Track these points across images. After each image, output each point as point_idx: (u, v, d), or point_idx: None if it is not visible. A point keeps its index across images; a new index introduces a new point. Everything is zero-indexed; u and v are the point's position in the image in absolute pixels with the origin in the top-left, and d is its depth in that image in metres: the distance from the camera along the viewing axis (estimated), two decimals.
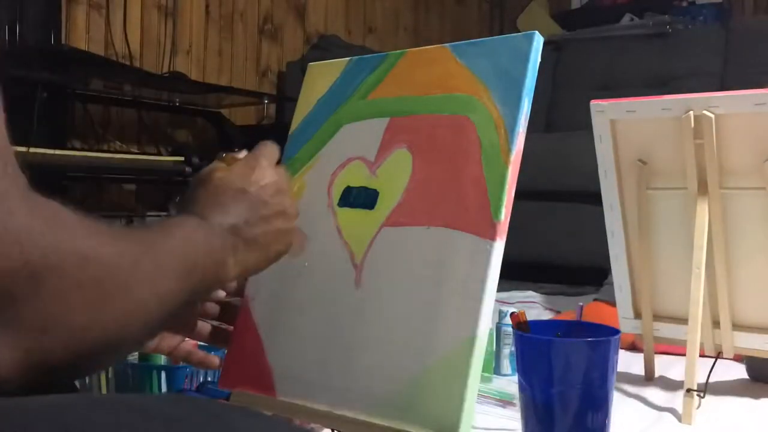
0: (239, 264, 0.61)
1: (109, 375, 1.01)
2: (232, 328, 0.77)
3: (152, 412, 0.37)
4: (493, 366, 1.30)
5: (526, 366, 0.86)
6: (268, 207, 0.64)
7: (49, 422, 0.33)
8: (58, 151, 2.25)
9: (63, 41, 2.58)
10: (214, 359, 0.78)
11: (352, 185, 0.73)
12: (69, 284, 0.41)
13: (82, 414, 0.34)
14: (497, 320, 1.33)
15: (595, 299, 1.63)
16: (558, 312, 1.97)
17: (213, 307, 0.77)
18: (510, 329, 1.28)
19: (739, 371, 1.30)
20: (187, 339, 0.77)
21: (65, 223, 0.42)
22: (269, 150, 0.69)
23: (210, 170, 0.66)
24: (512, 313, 0.91)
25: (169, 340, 0.76)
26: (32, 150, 2.03)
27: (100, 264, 0.43)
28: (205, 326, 0.77)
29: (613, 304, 1.46)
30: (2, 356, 0.39)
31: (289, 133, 0.81)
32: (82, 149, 2.61)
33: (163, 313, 0.50)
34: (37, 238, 0.39)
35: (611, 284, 1.59)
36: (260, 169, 0.66)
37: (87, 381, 1.03)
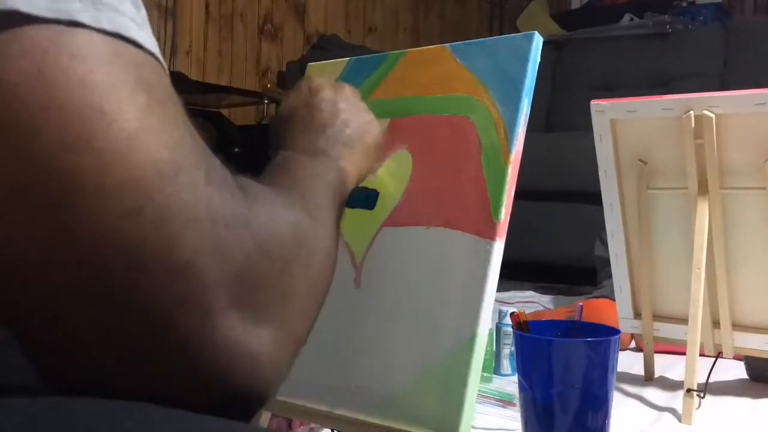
0: (353, 166, 0.62)
1: None
2: None
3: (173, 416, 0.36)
4: (493, 366, 1.30)
5: (526, 366, 0.86)
6: (341, 107, 0.65)
7: (44, 423, 0.32)
8: None
9: None
10: None
11: None
12: (289, 258, 0.41)
13: (78, 414, 0.34)
14: (497, 320, 1.33)
15: (593, 297, 1.63)
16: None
17: None
18: (510, 329, 1.28)
19: (739, 371, 1.30)
20: None
21: (266, 197, 0.42)
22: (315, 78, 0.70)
23: (278, 110, 0.67)
24: (512, 313, 0.91)
25: None
26: None
27: (303, 233, 0.43)
28: None
29: (612, 299, 1.47)
30: (264, 340, 0.38)
31: None
32: None
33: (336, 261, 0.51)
34: (258, 219, 0.39)
35: (604, 286, 1.60)
36: (312, 81, 0.67)
37: None
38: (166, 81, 0.38)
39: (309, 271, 0.44)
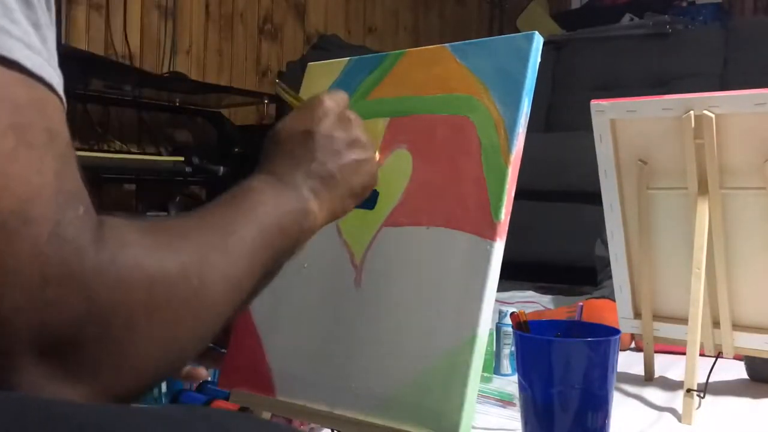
0: (325, 206, 0.59)
1: None
2: (223, 350, 0.77)
3: (155, 415, 0.36)
4: (493, 366, 1.30)
5: (526, 366, 0.86)
6: (338, 141, 0.62)
7: (37, 426, 0.32)
8: None
9: (63, 41, 2.58)
10: (202, 371, 0.78)
11: None
12: (138, 316, 0.40)
13: (84, 418, 0.34)
14: (497, 320, 1.33)
15: (593, 297, 1.62)
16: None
17: None
18: (510, 329, 1.28)
19: (739, 371, 1.30)
20: None
21: (129, 247, 0.40)
22: (334, 91, 0.67)
23: (278, 123, 0.65)
24: (512, 313, 0.91)
25: None
26: None
27: (166, 283, 0.42)
28: None
29: (613, 299, 1.46)
30: (76, 395, 0.38)
31: None
32: (82, 149, 2.61)
33: (243, 298, 0.50)
34: (104, 276, 0.38)
35: (605, 287, 1.60)
36: (321, 106, 0.64)
37: None
38: (49, 117, 0.37)
39: (177, 319, 0.42)
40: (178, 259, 0.43)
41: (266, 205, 0.54)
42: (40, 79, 0.37)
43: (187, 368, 0.78)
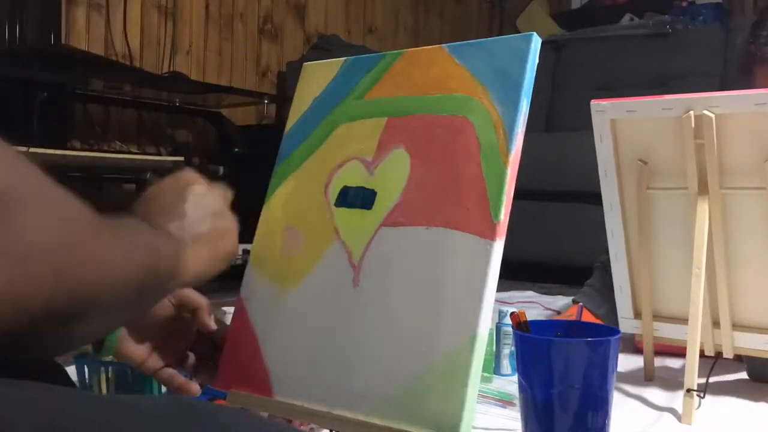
0: (192, 261, 0.60)
1: (109, 375, 1.01)
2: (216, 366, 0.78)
3: (141, 411, 0.36)
4: (493, 366, 1.30)
5: (526, 366, 0.86)
6: (206, 207, 0.65)
7: (34, 417, 0.32)
8: (58, 151, 2.25)
9: (63, 41, 2.58)
10: (195, 386, 0.78)
11: (349, 185, 0.73)
12: (40, 216, 0.39)
13: (69, 409, 0.34)
14: (497, 320, 1.33)
15: (573, 300, 1.62)
16: (558, 312, 1.97)
17: (204, 346, 0.79)
18: (510, 329, 1.28)
19: (739, 371, 1.30)
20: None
21: (29, 166, 0.40)
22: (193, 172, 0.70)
23: (146, 190, 0.67)
24: (512, 313, 0.91)
25: (154, 361, 0.77)
26: (32, 150, 2.03)
27: (70, 208, 0.42)
28: (191, 357, 0.79)
29: (593, 312, 1.48)
30: None
31: (284, 132, 0.81)
32: (82, 149, 2.61)
33: (128, 293, 0.48)
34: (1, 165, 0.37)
35: (591, 286, 1.60)
36: (188, 176, 0.67)
37: (87, 380, 1.03)
38: None
39: (76, 246, 0.42)
40: (80, 206, 0.43)
41: (147, 233, 0.55)
42: None
43: (180, 381, 0.78)
